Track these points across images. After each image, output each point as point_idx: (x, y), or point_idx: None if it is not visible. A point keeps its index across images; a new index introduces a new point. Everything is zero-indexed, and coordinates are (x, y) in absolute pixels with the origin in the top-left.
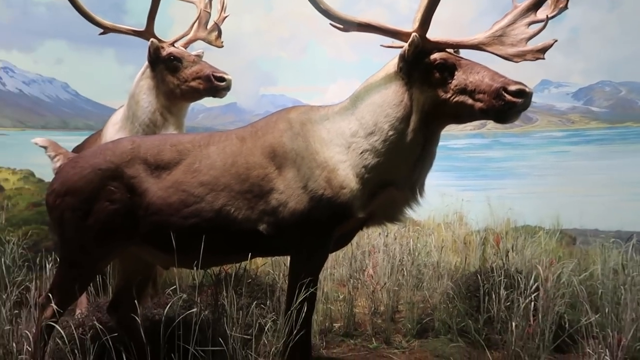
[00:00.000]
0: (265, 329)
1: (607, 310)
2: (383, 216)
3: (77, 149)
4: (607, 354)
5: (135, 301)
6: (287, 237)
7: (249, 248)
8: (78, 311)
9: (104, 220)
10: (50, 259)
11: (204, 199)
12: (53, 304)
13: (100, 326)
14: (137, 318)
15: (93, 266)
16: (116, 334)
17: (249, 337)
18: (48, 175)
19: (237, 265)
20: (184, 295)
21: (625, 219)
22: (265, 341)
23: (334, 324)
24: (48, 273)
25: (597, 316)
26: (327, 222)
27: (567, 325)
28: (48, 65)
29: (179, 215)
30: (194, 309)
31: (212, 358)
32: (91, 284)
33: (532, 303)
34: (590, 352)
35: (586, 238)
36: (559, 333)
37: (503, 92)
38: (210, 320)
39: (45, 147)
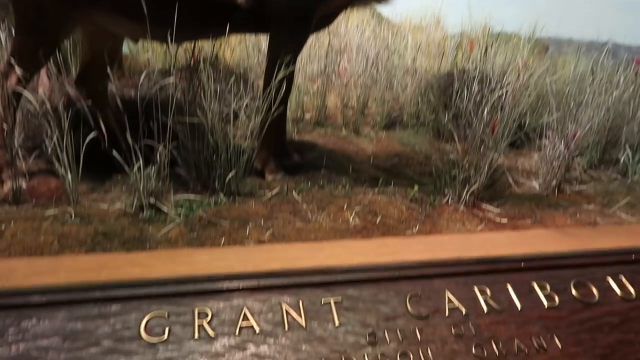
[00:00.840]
0: (244, 106)
1: (570, 109)
2: None
3: None
4: (562, 144)
5: (108, 69)
6: (267, 12)
7: (226, 21)
8: (41, 90)
9: None
10: (3, 26)
11: None
12: (17, 68)
13: (74, 93)
14: (111, 89)
15: (53, 32)
16: (90, 104)
17: (226, 109)
18: None
19: (210, 52)
20: (156, 76)
21: (602, 28)
22: (244, 118)
23: (306, 114)
24: (4, 44)
25: (558, 114)
26: None
27: (526, 125)
28: None
29: None
30: (170, 79)
31: (189, 132)
32: (52, 63)
33: (502, 98)
34: (547, 142)
35: (560, 47)
36: (517, 132)
37: None
38: (187, 99)
39: None
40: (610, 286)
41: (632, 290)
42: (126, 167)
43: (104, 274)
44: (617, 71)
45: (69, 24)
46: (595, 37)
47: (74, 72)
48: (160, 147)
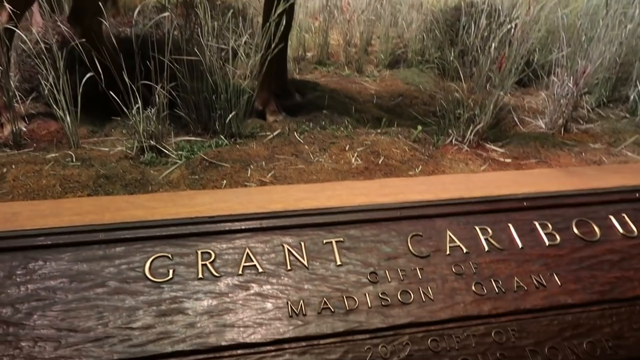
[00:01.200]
0: (242, 42)
1: (582, 44)
2: None
3: None
4: (571, 80)
5: (101, 5)
6: None
7: None
8: (35, 29)
9: None
10: None
11: None
12: (6, 5)
13: (68, 30)
14: (106, 25)
15: None
16: (84, 40)
17: (225, 47)
18: None
19: None
20: (152, 13)
21: None
22: (242, 55)
23: (308, 53)
24: None
25: (569, 50)
26: None
27: (534, 62)
28: None
29: None
30: (166, 13)
31: (188, 72)
32: (44, 1)
33: (510, 33)
34: (555, 79)
35: None
36: (525, 69)
37: None
38: (184, 37)
39: None
40: (612, 224)
41: (634, 227)
42: (125, 109)
43: (107, 216)
44: (633, 2)
45: None
46: None
47: (67, 9)
48: (159, 88)
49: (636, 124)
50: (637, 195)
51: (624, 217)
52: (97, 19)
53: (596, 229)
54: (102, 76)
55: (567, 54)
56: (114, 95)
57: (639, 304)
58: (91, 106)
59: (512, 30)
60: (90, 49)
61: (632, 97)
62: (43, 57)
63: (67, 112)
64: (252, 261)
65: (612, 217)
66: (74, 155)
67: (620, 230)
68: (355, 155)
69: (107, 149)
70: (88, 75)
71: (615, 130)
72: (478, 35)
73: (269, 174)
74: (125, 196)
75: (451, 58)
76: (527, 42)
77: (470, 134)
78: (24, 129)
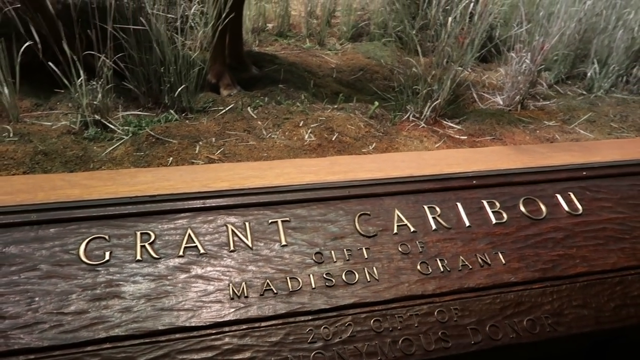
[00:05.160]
0: (191, 14)
1: (541, 20)
2: None
3: None
4: (529, 57)
5: None
6: None
7: None
8: None
9: None
10: None
11: None
12: None
13: None
14: None
15: None
16: (19, 6)
17: (173, 16)
18: None
19: None
20: None
21: None
22: (192, 24)
23: (268, 24)
24: None
25: (529, 25)
26: None
27: (496, 37)
28: None
29: None
30: None
31: (136, 42)
32: None
33: (470, 7)
34: (513, 55)
35: None
36: (487, 44)
37: None
38: (130, 4)
39: None
40: (558, 202)
41: (579, 206)
42: (66, 81)
43: (40, 195)
44: None
45: None
46: None
47: None
48: (102, 57)
49: (591, 102)
50: (584, 173)
51: (570, 195)
52: None
53: (542, 207)
54: (39, 46)
55: (527, 30)
56: (53, 67)
57: (580, 281)
58: (35, 77)
59: (473, 4)
60: (25, 16)
61: (589, 74)
62: None
63: (4, 84)
64: (194, 242)
65: (558, 195)
66: (11, 130)
67: (566, 208)
68: (309, 131)
69: (49, 124)
70: (26, 44)
71: (570, 107)
72: (439, 8)
73: (218, 151)
74: (62, 174)
75: (413, 32)
76: (489, 17)
77: (428, 110)
78: None
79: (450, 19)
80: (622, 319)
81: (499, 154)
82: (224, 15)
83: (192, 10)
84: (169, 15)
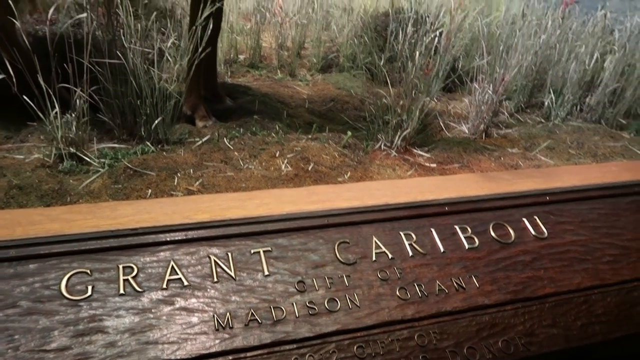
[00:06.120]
0: (167, 47)
1: (500, 53)
2: None
3: None
4: (490, 88)
5: (11, 3)
6: None
7: None
8: None
9: None
10: None
11: None
12: None
13: None
14: (16, 22)
15: None
16: None
17: (149, 50)
18: None
19: None
20: (71, 11)
21: None
22: (168, 57)
23: (240, 55)
24: None
25: (489, 58)
26: None
27: (459, 68)
28: None
29: None
30: (84, 14)
31: (111, 75)
32: None
33: (435, 40)
34: (477, 86)
35: None
36: (450, 75)
37: None
38: (106, 37)
39: None
40: (525, 226)
41: (544, 229)
42: (40, 114)
43: (18, 230)
44: (547, 14)
45: None
46: None
47: None
48: (78, 91)
49: (549, 130)
50: (547, 198)
51: (535, 219)
52: (8, 18)
53: (511, 231)
54: (14, 79)
55: (488, 62)
56: (27, 100)
57: (548, 301)
58: (5, 110)
59: (438, 38)
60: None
61: (546, 103)
62: None
63: None
64: (177, 274)
65: (525, 220)
66: None
67: (533, 232)
68: (286, 162)
69: (22, 157)
70: None
71: (530, 135)
72: (406, 41)
73: (197, 182)
74: (40, 209)
75: (381, 64)
76: (452, 50)
77: (398, 139)
78: None
79: (417, 52)
80: (589, 336)
81: (467, 182)
82: (200, 50)
83: (168, 44)
84: (145, 50)
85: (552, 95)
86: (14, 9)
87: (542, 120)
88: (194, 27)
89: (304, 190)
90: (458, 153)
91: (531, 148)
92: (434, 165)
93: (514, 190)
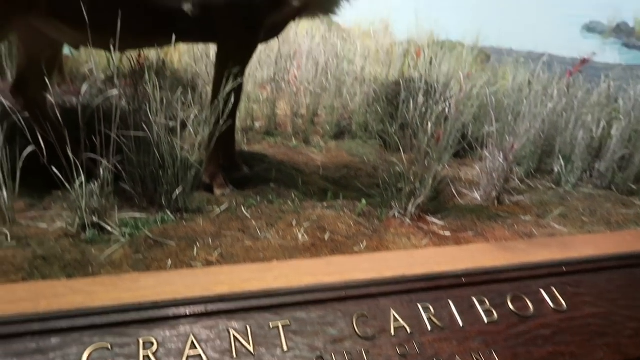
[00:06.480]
0: (191, 119)
1: (509, 120)
2: (318, 6)
3: None
4: (501, 156)
5: (47, 80)
6: (214, 22)
7: (172, 30)
8: None
9: None
10: None
11: None
12: None
13: (9, 104)
14: (50, 100)
15: None
16: (27, 115)
17: (173, 123)
18: None
19: (156, 57)
20: (99, 83)
21: (539, 39)
22: (191, 130)
23: (256, 123)
24: None
25: (498, 125)
26: (259, 8)
27: (469, 135)
28: None
29: None
30: (114, 91)
31: (135, 146)
32: None
33: (445, 110)
34: (487, 154)
35: (500, 57)
36: (460, 141)
37: None
38: (131, 109)
39: None
40: (544, 298)
41: (563, 302)
42: (67, 184)
43: (42, 303)
44: (552, 83)
45: (3, 30)
46: (533, 48)
47: (9, 76)
48: (105, 162)
49: (561, 196)
50: (564, 269)
51: (553, 290)
52: (42, 94)
53: (529, 304)
54: (44, 151)
55: (496, 129)
56: (56, 171)
57: None
58: (30, 177)
59: (448, 107)
60: (32, 122)
61: (556, 169)
62: None
63: (3, 187)
64: (197, 349)
65: (542, 291)
66: (9, 234)
67: (551, 304)
68: (302, 230)
69: (45, 225)
70: (29, 149)
71: (542, 202)
72: (417, 110)
73: (216, 252)
74: (64, 281)
75: (392, 131)
76: (462, 117)
77: (412, 207)
78: None
79: (430, 123)
80: None
81: (483, 252)
82: (221, 122)
83: (192, 117)
84: (170, 122)
85: (562, 161)
86: (48, 84)
87: (553, 186)
88: (216, 101)
89: (321, 261)
90: (472, 221)
91: (544, 215)
92: (448, 233)
93: (530, 260)
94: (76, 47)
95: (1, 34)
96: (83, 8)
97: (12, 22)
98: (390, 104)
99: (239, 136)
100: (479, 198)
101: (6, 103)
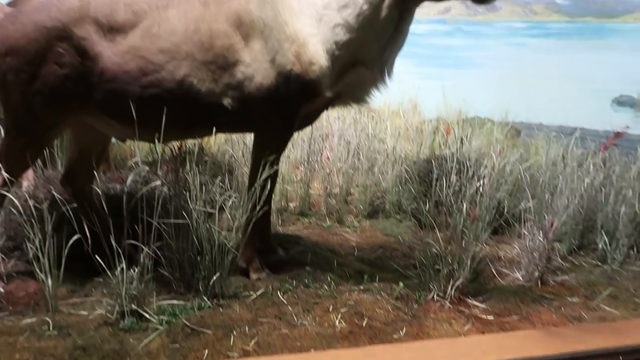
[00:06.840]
0: (229, 204)
1: (545, 197)
2: (350, 96)
3: (13, 4)
4: (541, 234)
5: (94, 172)
6: (252, 114)
7: (212, 122)
8: (25, 183)
9: (52, 85)
10: None
11: (164, 68)
12: (3, 172)
13: (59, 196)
14: (96, 189)
15: (43, 134)
16: (74, 205)
17: (212, 211)
18: None
19: (194, 142)
20: (143, 172)
21: (569, 114)
22: (229, 216)
23: (290, 204)
24: None
25: (534, 201)
26: (294, 100)
27: (505, 211)
28: None
29: (137, 84)
30: (157, 182)
31: (174, 232)
32: None
33: (480, 189)
34: (526, 232)
35: (530, 131)
36: (497, 217)
37: None
38: (172, 195)
39: None
40: None
41: None
42: (108, 272)
43: None
44: (587, 158)
45: (59, 126)
46: (563, 122)
47: (59, 165)
48: (146, 249)
49: (609, 275)
50: (620, 358)
51: None
52: (90, 185)
53: None
54: (89, 240)
55: (533, 205)
56: (99, 260)
57: None
58: (73, 264)
59: (482, 185)
60: (79, 212)
61: (600, 245)
62: (31, 218)
63: (49, 275)
64: None
65: None
66: (51, 323)
67: None
68: (339, 317)
69: (86, 313)
70: (74, 238)
71: (589, 282)
72: (450, 188)
73: (252, 342)
74: None
75: (426, 210)
76: (497, 195)
77: (451, 289)
78: (2, 290)
79: (464, 203)
80: None
81: (532, 340)
82: (258, 208)
83: (229, 203)
84: (209, 211)
85: (605, 237)
86: (97, 178)
87: (599, 263)
88: (253, 188)
89: (360, 351)
90: (515, 303)
91: (592, 297)
92: (491, 317)
93: (582, 349)
94: (122, 140)
95: (57, 131)
96: (132, 106)
97: (67, 120)
98: (422, 182)
99: (273, 217)
100: (520, 278)
101: (57, 195)
